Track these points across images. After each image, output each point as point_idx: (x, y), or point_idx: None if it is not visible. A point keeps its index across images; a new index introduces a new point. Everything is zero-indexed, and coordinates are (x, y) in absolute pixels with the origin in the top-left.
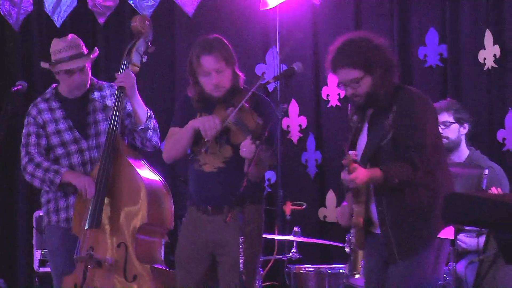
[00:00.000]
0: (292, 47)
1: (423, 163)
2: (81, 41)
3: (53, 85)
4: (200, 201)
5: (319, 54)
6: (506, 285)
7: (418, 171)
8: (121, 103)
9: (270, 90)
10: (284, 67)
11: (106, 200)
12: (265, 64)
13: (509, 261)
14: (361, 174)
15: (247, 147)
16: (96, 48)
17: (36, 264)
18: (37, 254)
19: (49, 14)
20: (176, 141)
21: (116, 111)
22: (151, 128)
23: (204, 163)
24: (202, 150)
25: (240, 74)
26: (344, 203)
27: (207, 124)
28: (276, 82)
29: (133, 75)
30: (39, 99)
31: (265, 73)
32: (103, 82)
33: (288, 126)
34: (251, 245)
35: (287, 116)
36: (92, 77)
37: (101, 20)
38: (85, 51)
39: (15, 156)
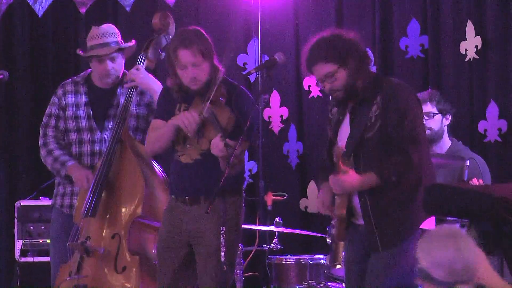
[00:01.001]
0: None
1: (418, 155)
2: (118, 31)
3: (88, 70)
4: (178, 191)
5: (300, 45)
6: None
7: (413, 164)
8: (130, 98)
9: (251, 81)
10: (265, 57)
11: (106, 192)
12: (247, 54)
13: (490, 252)
14: (352, 178)
15: (216, 145)
16: (134, 40)
17: (17, 254)
18: (19, 244)
19: (30, 4)
20: (158, 138)
21: (124, 106)
22: None
23: (181, 154)
24: (188, 146)
25: (219, 66)
26: (321, 192)
27: (186, 120)
28: (257, 73)
29: (142, 70)
30: (69, 80)
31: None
32: None
33: (269, 117)
34: (229, 235)
35: (269, 106)
36: (126, 71)
37: (82, 10)
38: (120, 41)
39: None
